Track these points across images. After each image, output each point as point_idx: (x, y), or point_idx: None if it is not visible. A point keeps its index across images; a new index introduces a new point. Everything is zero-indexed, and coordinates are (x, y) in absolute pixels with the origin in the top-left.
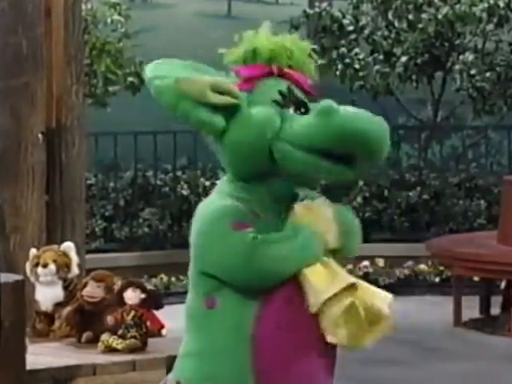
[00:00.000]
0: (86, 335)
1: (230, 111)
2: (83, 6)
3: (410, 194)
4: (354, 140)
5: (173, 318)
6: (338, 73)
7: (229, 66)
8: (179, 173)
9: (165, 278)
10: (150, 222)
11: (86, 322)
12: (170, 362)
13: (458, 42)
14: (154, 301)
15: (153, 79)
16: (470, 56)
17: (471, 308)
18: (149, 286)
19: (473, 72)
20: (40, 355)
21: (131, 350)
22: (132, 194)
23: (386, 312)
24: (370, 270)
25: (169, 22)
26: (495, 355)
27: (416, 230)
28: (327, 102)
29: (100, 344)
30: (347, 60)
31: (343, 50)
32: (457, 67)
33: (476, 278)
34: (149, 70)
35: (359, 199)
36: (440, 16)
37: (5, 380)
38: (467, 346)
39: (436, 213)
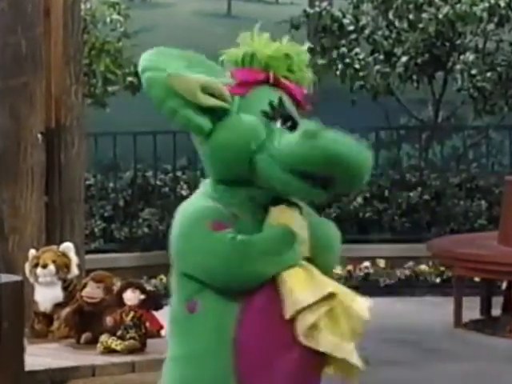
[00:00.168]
0: (85, 336)
1: (217, 114)
2: (82, 6)
3: (411, 194)
4: (336, 164)
5: None
6: (338, 73)
7: (227, 65)
8: (179, 173)
9: (164, 279)
10: (149, 222)
11: (85, 322)
12: None
13: (458, 41)
14: (153, 302)
15: (145, 70)
16: (470, 56)
17: (472, 309)
18: (148, 287)
19: (474, 72)
20: (39, 356)
21: (130, 351)
22: (131, 194)
23: (365, 316)
24: (371, 270)
25: (168, 22)
26: (496, 356)
27: (417, 231)
28: (313, 125)
29: (99, 345)
30: (347, 60)
31: (343, 49)
32: (458, 67)
33: (477, 279)
34: (143, 60)
35: (359, 199)
36: (441, 16)
37: (3, 381)
38: (467, 346)
39: (437, 213)
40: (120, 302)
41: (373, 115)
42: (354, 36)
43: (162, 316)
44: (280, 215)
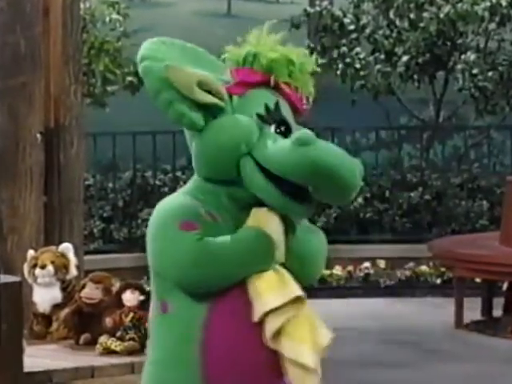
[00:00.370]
0: (84, 337)
1: (212, 111)
2: (81, 5)
3: (412, 194)
4: (326, 175)
5: None
6: (338, 72)
7: (228, 63)
8: (179, 173)
9: None
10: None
11: (84, 323)
12: None
13: (459, 41)
14: None
15: (143, 59)
16: (472, 55)
17: (473, 310)
18: (148, 288)
19: (475, 71)
20: (37, 357)
21: (130, 352)
22: (131, 194)
23: (325, 343)
24: (371, 271)
25: (168, 21)
26: (497, 357)
27: (417, 231)
28: (304, 133)
29: (98, 346)
30: (348, 59)
31: (344, 49)
32: (459, 67)
33: (478, 280)
34: (143, 48)
35: (360, 200)
36: (442, 15)
37: (2, 382)
38: (468, 347)
39: (438, 213)
40: (119, 303)
41: (373, 115)
42: (354, 35)
43: None
44: (259, 217)
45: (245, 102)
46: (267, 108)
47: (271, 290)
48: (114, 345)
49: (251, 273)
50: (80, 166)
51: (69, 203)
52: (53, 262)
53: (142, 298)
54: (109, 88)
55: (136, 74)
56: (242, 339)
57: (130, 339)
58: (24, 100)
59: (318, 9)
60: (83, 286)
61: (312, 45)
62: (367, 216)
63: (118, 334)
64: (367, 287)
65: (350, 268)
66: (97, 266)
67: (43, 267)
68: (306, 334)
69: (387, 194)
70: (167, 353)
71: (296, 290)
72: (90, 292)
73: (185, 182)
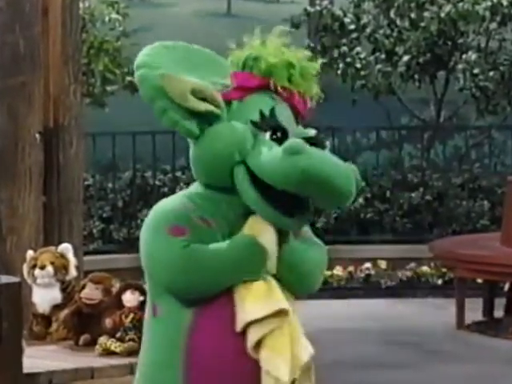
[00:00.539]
0: (83, 338)
1: (207, 118)
2: (81, 5)
3: (413, 194)
4: (318, 184)
5: None
6: (339, 72)
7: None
8: (178, 173)
9: None
10: None
11: (83, 324)
12: None
13: (460, 40)
14: None
15: (140, 67)
16: (473, 55)
17: (474, 310)
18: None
19: (476, 71)
20: (37, 358)
21: (129, 353)
22: (130, 194)
23: (304, 358)
24: (372, 271)
25: (168, 21)
26: (498, 358)
27: (418, 232)
28: (295, 142)
29: (98, 347)
30: (348, 59)
31: (344, 48)
32: (460, 66)
33: (479, 280)
34: (141, 54)
35: (361, 200)
36: (443, 14)
37: (2, 383)
38: (470, 348)
39: (439, 214)
40: (119, 304)
41: (374, 115)
42: (355, 35)
43: None
44: (254, 226)
45: (242, 107)
46: (262, 114)
47: (256, 300)
48: (114, 346)
49: (240, 281)
50: (79, 166)
51: (68, 203)
52: (52, 263)
53: (142, 298)
54: (108, 88)
55: None
56: (226, 346)
57: (129, 340)
58: (23, 100)
59: (318, 8)
60: (83, 287)
61: (312, 44)
62: (368, 216)
63: (118, 334)
64: (368, 288)
65: (351, 268)
66: (96, 266)
67: (43, 268)
68: (285, 348)
69: (388, 194)
70: (157, 355)
71: (280, 303)
72: (90, 293)
73: (185, 183)
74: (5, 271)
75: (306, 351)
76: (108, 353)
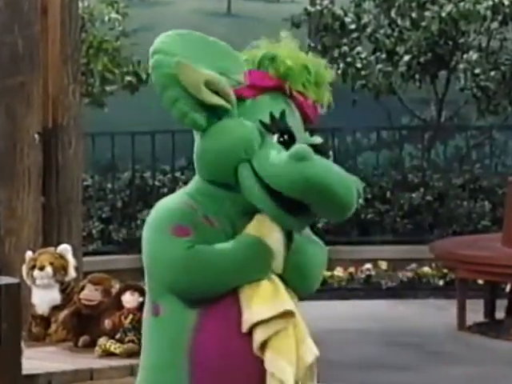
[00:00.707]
0: (82, 339)
1: (217, 112)
2: (80, 4)
3: (413, 195)
4: (320, 192)
5: None
6: (339, 72)
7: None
8: (178, 174)
9: None
10: None
11: (83, 325)
12: None
13: (461, 40)
14: None
15: (156, 52)
16: (474, 55)
17: (476, 312)
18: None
19: (477, 71)
20: (36, 360)
21: (129, 355)
22: (130, 195)
23: (309, 359)
24: (373, 272)
25: (167, 20)
26: (499, 359)
27: (419, 232)
28: (301, 148)
29: (97, 348)
30: (349, 59)
31: (345, 48)
32: (461, 66)
33: (480, 281)
34: (157, 41)
35: (361, 200)
36: (444, 14)
37: None
38: (471, 350)
39: (439, 214)
40: (119, 305)
41: (374, 115)
42: (355, 35)
43: None
44: (261, 225)
45: (254, 106)
46: (272, 116)
47: (262, 301)
48: (114, 347)
49: (245, 282)
50: (78, 167)
51: (67, 204)
52: (51, 264)
53: (141, 299)
54: (107, 88)
55: (135, 73)
56: (231, 346)
57: (129, 341)
58: (22, 100)
59: (318, 8)
60: (82, 288)
61: (313, 44)
62: (368, 217)
63: (118, 336)
64: (369, 289)
65: (352, 269)
66: (96, 267)
67: (42, 269)
68: (290, 349)
69: (388, 194)
70: (160, 357)
71: (287, 304)
72: (89, 294)
73: (184, 183)
74: (4, 272)
75: (310, 352)
76: (107, 354)
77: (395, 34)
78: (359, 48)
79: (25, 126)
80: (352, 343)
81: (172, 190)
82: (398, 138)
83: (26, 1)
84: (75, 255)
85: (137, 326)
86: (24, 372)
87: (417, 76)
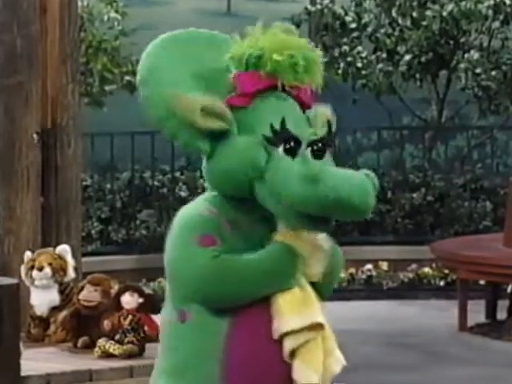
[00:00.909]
0: (82, 340)
1: (218, 135)
2: (79, 3)
3: (414, 195)
4: (335, 208)
5: None
6: (340, 71)
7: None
8: (177, 174)
9: (163, 282)
10: (147, 224)
11: (82, 326)
12: None
13: (463, 39)
14: (151, 305)
15: (143, 83)
16: (475, 54)
17: (477, 312)
18: (146, 290)
19: (478, 71)
20: (35, 361)
21: (128, 356)
22: (129, 195)
23: (336, 371)
24: (374, 273)
25: (167, 20)
26: (501, 360)
27: (420, 233)
28: (311, 171)
29: (96, 349)
30: (349, 58)
31: (345, 48)
32: (462, 66)
33: (482, 282)
34: (142, 66)
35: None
36: (445, 13)
37: None
38: (472, 350)
39: (440, 215)
40: (118, 306)
41: (375, 115)
42: (356, 34)
43: None
44: (286, 233)
45: (250, 116)
46: (273, 129)
47: (293, 310)
48: (113, 348)
49: (273, 290)
50: (77, 167)
51: (66, 204)
52: (50, 264)
53: (140, 300)
54: (107, 87)
55: (134, 73)
56: (263, 356)
57: (128, 342)
58: (21, 100)
59: (319, 7)
60: (81, 289)
61: (313, 43)
62: (369, 217)
63: (117, 337)
64: (370, 289)
65: (352, 270)
66: (95, 268)
67: (40, 269)
68: (318, 359)
69: (389, 194)
70: (183, 363)
71: (317, 316)
72: (88, 294)
73: (184, 183)
74: (3, 273)
75: (338, 363)
76: (107, 355)
77: (396, 33)
78: (360, 47)
79: (23, 125)
80: (353, 344)
81: (172, 190)
82: (399, 138)
83: (25, 0)
84: (74, 256)
85: (136, 327)
86: (23, 373)
87: (418, 75)
